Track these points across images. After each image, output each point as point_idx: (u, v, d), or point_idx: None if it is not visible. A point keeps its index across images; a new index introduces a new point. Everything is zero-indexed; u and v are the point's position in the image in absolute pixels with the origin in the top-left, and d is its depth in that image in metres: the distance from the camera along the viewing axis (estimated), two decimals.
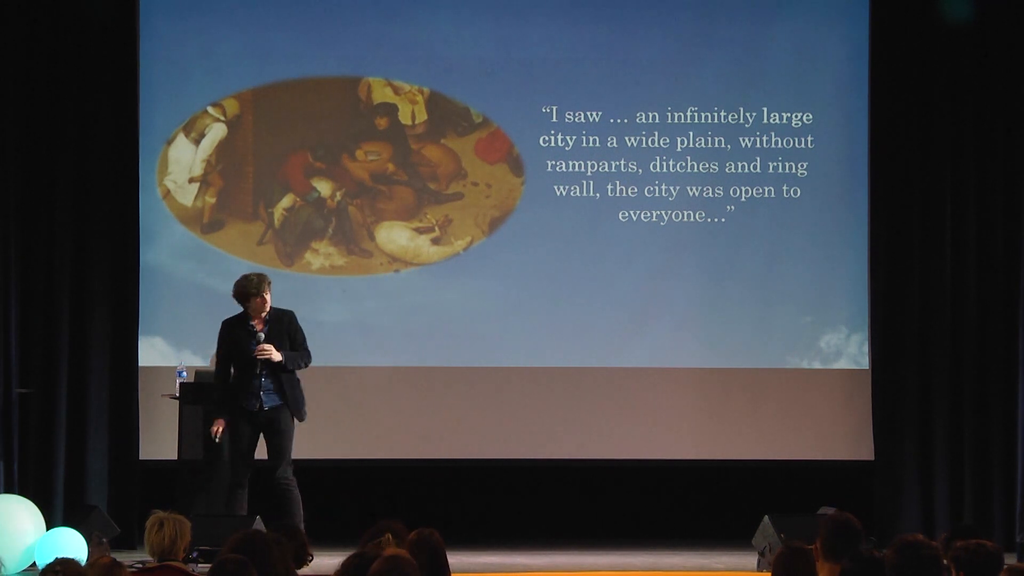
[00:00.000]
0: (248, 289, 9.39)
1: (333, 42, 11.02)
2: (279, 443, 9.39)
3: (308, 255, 10.98)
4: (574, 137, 11.02)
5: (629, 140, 11.03)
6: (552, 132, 11.03)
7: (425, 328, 10.96)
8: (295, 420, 9.44)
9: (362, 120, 11.06)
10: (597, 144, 11.02)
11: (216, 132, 10.99)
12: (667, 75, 11.09)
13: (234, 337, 9.40)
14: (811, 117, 11.15)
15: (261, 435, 9.42)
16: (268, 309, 9.40)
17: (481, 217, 11.05)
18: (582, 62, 11.02)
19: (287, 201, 11.00)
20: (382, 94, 11.05)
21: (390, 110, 11.02)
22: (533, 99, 11.02)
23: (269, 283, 9.46)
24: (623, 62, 11.05)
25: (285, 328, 9.46)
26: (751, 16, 11.16)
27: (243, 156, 11.02)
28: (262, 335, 9.36)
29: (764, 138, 11.16)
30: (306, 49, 11.00)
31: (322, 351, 9.84)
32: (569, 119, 11.02)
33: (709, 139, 11.11)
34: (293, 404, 9.40)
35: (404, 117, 11.03)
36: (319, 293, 10.92)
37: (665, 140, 11.06)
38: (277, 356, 9.31)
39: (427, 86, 11.02)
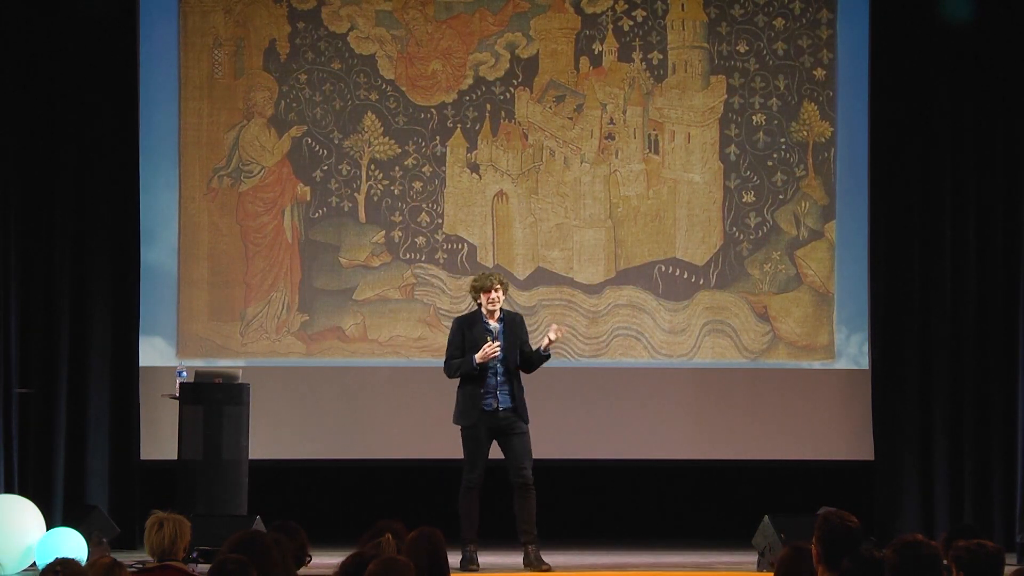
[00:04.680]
0: (481, 284, 9.50)
1: None
2: (520, 444, 9.45)
3: None
4: None
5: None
6: None
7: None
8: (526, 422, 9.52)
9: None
10: None
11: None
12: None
13: (472, 334, 9.48)
14: (811, 117, 11.16)
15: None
16: (499, 307, 9.52)
17: None
18: None
19: None
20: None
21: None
22: None
23: (503, 281, 9.56)
24: None
25: (517, 330, 9.54)
26: (750, 16, 11.18)
27: None
28: (498, 326, 9.48)
29: (764, 137, 11.18)
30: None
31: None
32: None
33: (711, 129, 11.14)
34: (521, 405, 9.48)
35: None
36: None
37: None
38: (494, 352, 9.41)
39: None
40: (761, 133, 11.19)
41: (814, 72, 11.19)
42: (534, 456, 9.47)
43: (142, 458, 10.66)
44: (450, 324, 10.88)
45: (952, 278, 10.86)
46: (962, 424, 10.80)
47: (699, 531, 10.89)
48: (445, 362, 9.58)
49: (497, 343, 9.39)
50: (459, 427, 9.50)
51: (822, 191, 11.19)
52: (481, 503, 9.48)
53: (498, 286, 9.48)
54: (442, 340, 10.98)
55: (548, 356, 9.54)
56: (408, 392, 10.96)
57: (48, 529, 9.50)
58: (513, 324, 9.53)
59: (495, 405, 9.42)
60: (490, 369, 9.41)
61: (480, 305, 9.53)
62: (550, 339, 9.43)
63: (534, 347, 9.56)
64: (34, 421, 10.51)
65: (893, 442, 10.83)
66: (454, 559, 9.05)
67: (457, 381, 9.54)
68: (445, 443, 10.75)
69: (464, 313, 9.85)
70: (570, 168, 11.14)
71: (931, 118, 10.92)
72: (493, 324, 9.47)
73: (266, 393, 10.50)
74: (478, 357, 9.35)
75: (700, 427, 11.02)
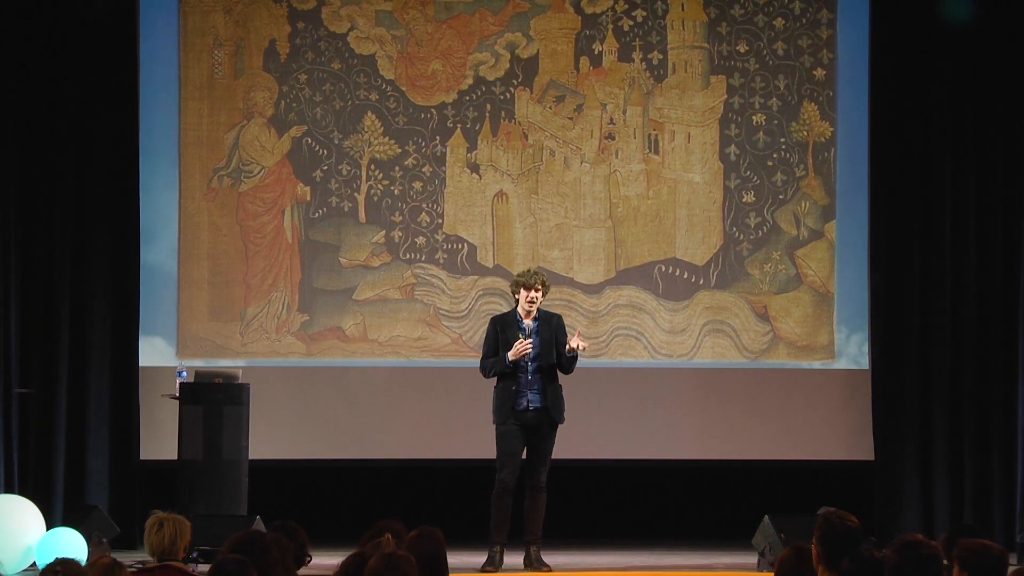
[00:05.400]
0: (524, 281, 9.40)
1: None
2: (541, 447, 9.39)
3: None
4: None
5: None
6: None
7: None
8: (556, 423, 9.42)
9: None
10: None
11: None
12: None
13: (506, 334, 9.38)
14: (811, 117, 11.16)
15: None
16: (536, 307, 9.41)
17: None
18: None
19: None
20: None
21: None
22: None
23: (545, 282, 9.47)
24: None
25: (553, 330, 9.44)
26: (750, 16, 11.18)
27: None
28: (532, 324, 9.37)
29: (764, 137, 11.18)
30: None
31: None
32: None
33: (711, 129, 11.15)
34: (554, 407, 9.38)
35: None
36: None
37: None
38: (526, 349, 9.30)
39: None
40: (761, 133, 11.19)
41: (814, 72, 11.19)
42: None
43: (142, 458, 10.65)
44: (450, 324, 10.91)
45: (952, 278, 10.86)
46: (962, 424, 10.79)
47: (699, 531, 10.90)
48: (481, 361, 9.54)
49: (529, 340, 9.33)
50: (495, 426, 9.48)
51: (822, 191, 11.19)
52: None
53: (540, 286, 9.42)
54: (442, 340, 11.02)
55: (575, 357, 9.42)
56: (408, 392, 10.96)
57: (48, 529, 9.50)
58: (549, 324, 9.45)
59: (526, 404, 9.36)
60: (522, 368, 9.36)
61: (518, 302, 9.49)
62: (571, 346, 9.35)
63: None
64: (34, 421, 10.51)
65: (893, 442, 10.83)
66: (461, 559, 9.09)
67: (494, 381, 9.50)
68: (445, 443, 10.79)
69: (500, 313, 9.82)
70: (570, 168, 11.14)
71: (931, 118, 10.92)
72: (527, 323, 9.42)
73: (266, 393, 10.50)
74: (510, 355, 9.30)
75: (700, 427, 11.02)
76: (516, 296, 9.48)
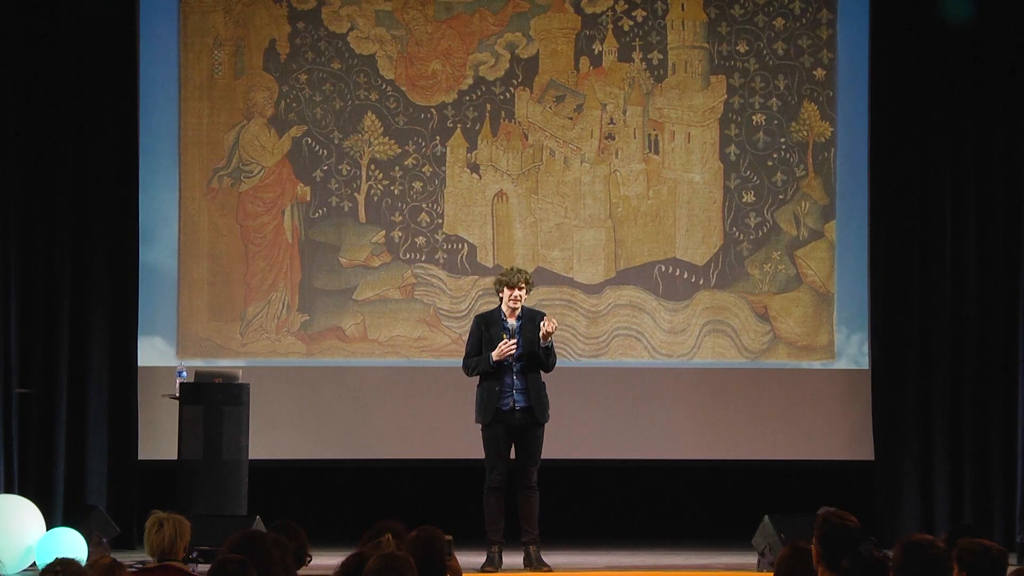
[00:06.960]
0: (508, 280, 9.38)
1: None
2: (529, 446, 9.36)
3: None
4: None
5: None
6: None
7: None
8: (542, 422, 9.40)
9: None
10: None
11: None
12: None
13: (490, 333, 9.37)
14: (811, 117, 11.16)
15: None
16: (520, 306, 9.40)
17: None
18: None
19: None
20: None
21: None
22: None
23: (529, 281, 9.46)
24: None
25: (537, 328, 9.37)
26: (750, 16, 11.19)
27: None
28: (516, 323, 9.35)
29: (764, 137, 11.18)
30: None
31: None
32: None
33: (711, 129, 11.15)
34: (538, 406, 9.36)
35: None
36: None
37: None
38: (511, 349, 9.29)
39: None
40: (761, 133, 11.19)
41: (814, 72, 11.19)
42: None
43: (141, 458, 10.65)
44: (450, 324, 10.91)
45: (952, 278, 10.86)
46: (962, 424, 10.79)
47: (699, 531, 10.90)
48: (464, 359, 9.54)
49: (513, 340, 9.32)
50: (479, 426, 9.46)
51: (822, 191, 11.19)
52: (483, 502, 9.44)
53: (523, 285, 9.40)
54: (442, 340, 11.02)
55: (549, 347, 9.39)
56: (408, 392, 10.96)
57: (48, 529, 9.50)
58: (532, 322, 9.41)
59: (512, 404, 9.35)
60: (507, 367, 9.35)
61: (501, 300, 9.49)
62: (542, 334, 9.34)
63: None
64: (34, 421, 10.51)
65: (893, 442, 10.83)
66: (461, 559, 9.07)
67: (476, 380, 9.49)
68: (445, 443, 10.79)
69: (484, 311, 9.81)
70: (570, 168, 11.14)
71: (931, 118, 10.91)
72: (511, 322, 9.41)
73: (266, 393, 10.51)
74: (494, 355, 9.29)
75: (700, 427, 11.02)
76: (500, 295, 9.48)
